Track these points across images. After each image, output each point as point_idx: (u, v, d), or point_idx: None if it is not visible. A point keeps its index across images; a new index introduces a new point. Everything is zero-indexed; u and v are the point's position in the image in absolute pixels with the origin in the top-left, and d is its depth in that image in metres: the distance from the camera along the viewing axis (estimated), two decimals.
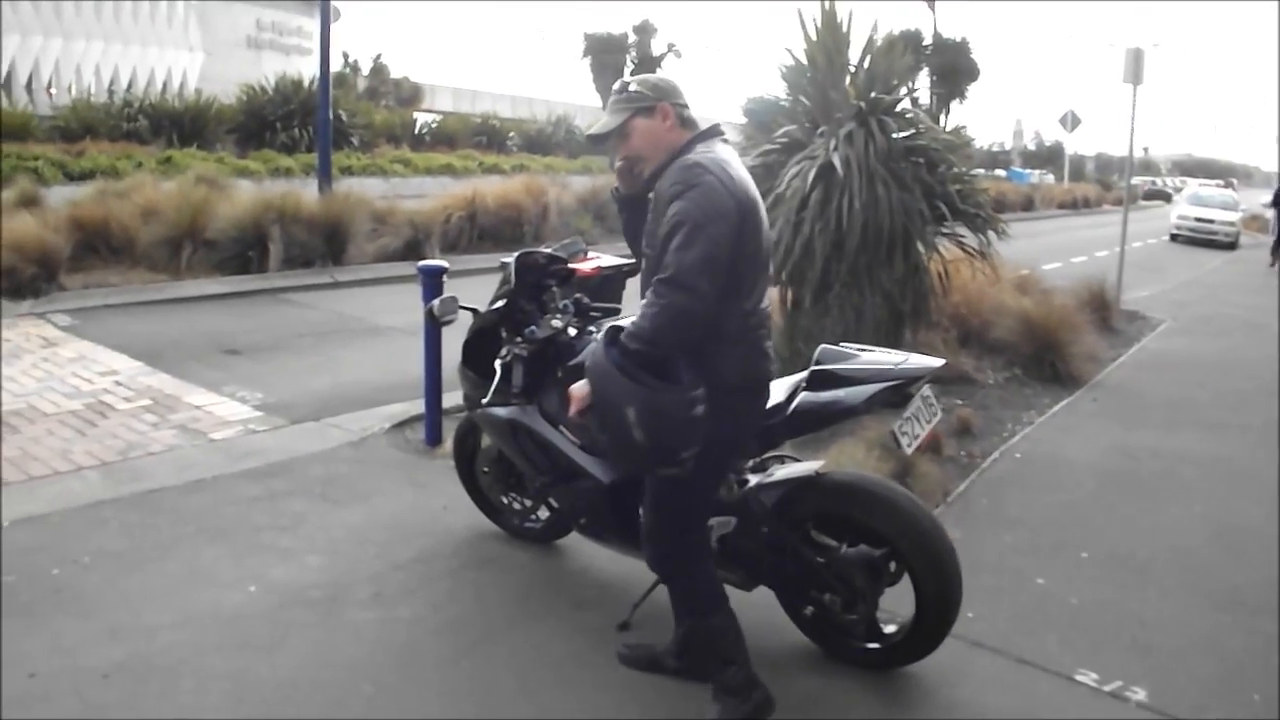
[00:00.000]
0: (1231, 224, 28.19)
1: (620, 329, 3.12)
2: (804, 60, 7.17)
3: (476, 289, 4.81)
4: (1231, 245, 27.47)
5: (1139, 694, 3.81)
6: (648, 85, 3.29)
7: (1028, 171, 56.22)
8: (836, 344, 3.82)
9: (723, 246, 3.03)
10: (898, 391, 3.56)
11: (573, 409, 3.25)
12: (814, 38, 7.05)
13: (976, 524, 5.29)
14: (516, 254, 4.28)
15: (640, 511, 3.92)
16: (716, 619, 3.43)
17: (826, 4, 7.01)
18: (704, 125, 3.32)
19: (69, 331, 8.83)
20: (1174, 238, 28.51)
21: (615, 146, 3.32)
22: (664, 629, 3.84)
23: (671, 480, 3.26)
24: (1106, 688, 3.85)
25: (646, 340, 3.04)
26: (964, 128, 10.18)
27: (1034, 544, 5.21)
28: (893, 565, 3.66)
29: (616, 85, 3.36)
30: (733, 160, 3.23)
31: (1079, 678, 3.91)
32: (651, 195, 3.24)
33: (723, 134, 3.32)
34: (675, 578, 3.50)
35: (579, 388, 3.22)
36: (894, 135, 6.74)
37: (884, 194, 6.51)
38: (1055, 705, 3.73)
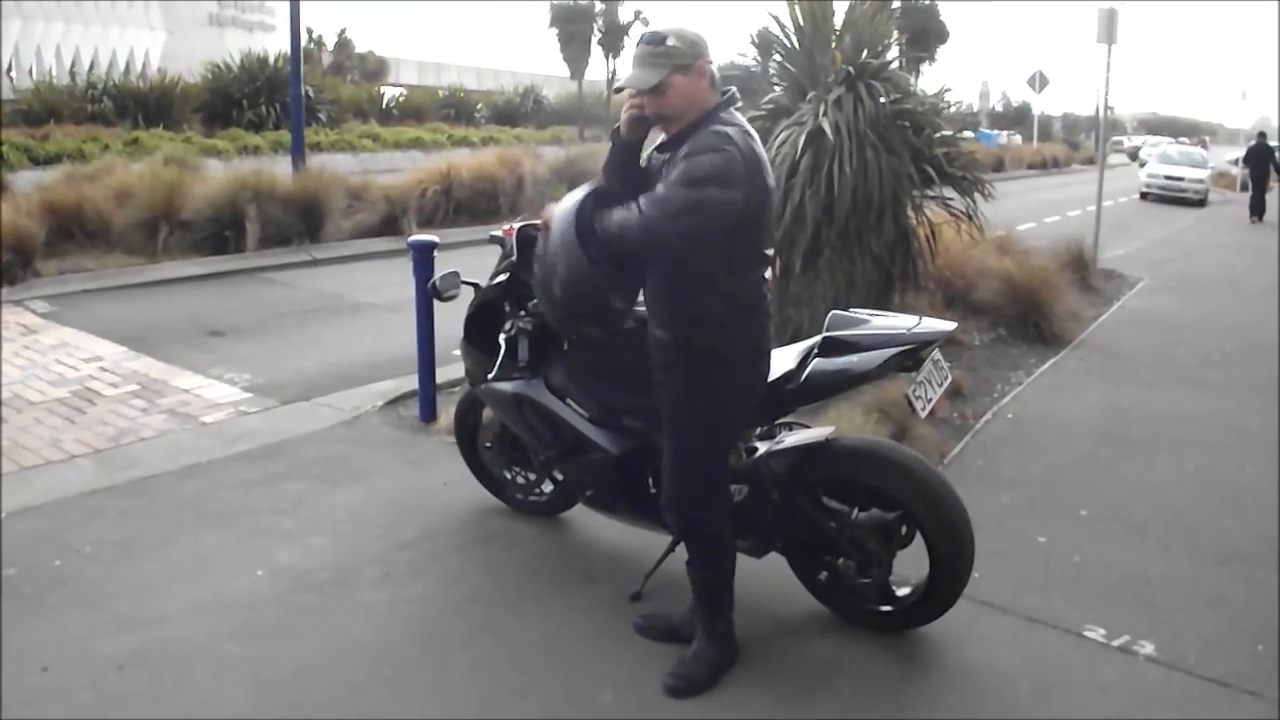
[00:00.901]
0: (1201, 181, 28.38)
1: (602, 197, 3.37)
2: (790, 25, 7.13)
3: (459, 262, 4.77)
4: (1201, 202, 27.68)
5: (1147, 647, 3.86)
6: (685, 41, 3.19)
7: (995, 132, 56.34)
8: (828, 309, 3.82)
9: (716, 210, 3.07)
10: (910, 356, 3.56)
11: (540, 219, 3.51)
12: (800, 3, 7.01)
13: (974, 485, 5.31)
14: (516, 225, 4.24)
15: (650, 481, 3.94)
16: (724, 572, 3.56)
17: None
18: None
19: (48, 318, 8.72)
20: (1144, 196, 28.68)
21: (647, 101, 3.23)
22: (676, 598, 3.86)
23: (685, 447, 3.36)
24: (1115, 642, 3.89)
25: (616, 233, 3.22)
26: (948, 90, 10.11)
27: (1033, 503, 5.25)
28: (904, 528, 3.68)
29: (648, 35, 3.23)
30: (754, 137, 3.24)
31: (1087, 633, 3.95)
32: (655, 153, 3.34)
33: (739, 100, 3.31)
34: (698, 538, 3.54)
35: (548, 210, 3.49)
36: (881, 99, 6.72)
37: (873, 158, 6.50)
38: (1066, 661, 3.76)
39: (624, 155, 3.42)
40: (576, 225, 3.28)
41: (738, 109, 3.29)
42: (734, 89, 3.30)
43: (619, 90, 3.34)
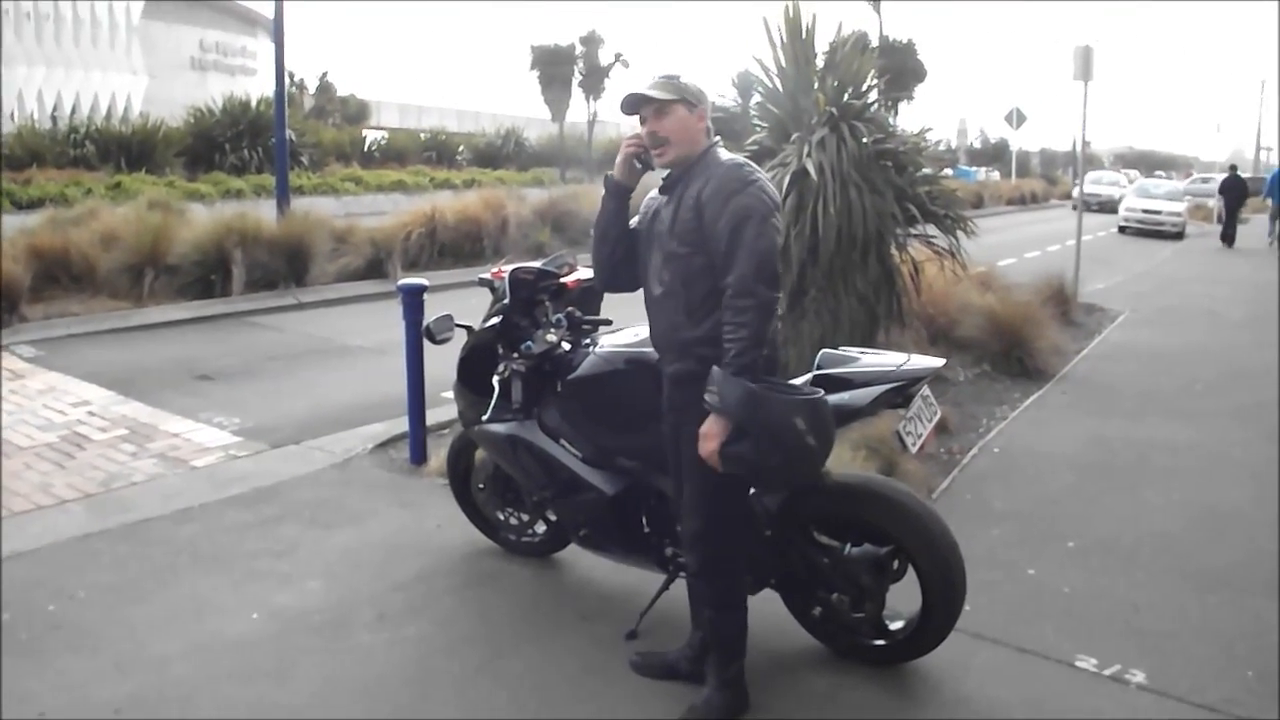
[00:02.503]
0: (1178, 214, 28.65)
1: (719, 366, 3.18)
2: (772, 67, 7.24)
3: (446, 304, 4.81)
4: (1179, 235, 27.94)
5: (1138, 676, 3.91)
6: (695, 87, 3.41)
7: (973, 169, 56.83)
8: (814, 348, 3.88)
9: (781, 235, 3.26)
10: (900, 393, 3.62)
11: (710, 446, 3.20)
12: (781, 44, 7.12)
13: (963, 519, 5.34)
14: (508, 269, 4.30)
15: (644, 520, 3.98)
16: (740, 614, 3.57)
17: (791, 10, 7.08)
18: None
19: (35, 363, 8.71)
20: (1123, 229, 28.93)
21: (649, 117, 3.38)
22: (672, 636, 3.90)
23: (709, 483, 3.34)
24: (1106, 672, 3.94)
25: (754, 343, 3.14)
26: (929, 129, 10.23)
27: (1021, 536, 5.30)
28: (896, 563, 3.72)
29: (663, 73, 3.44)
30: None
31: (1079, 664, 3.99)
32: (656, 195, 3.46)
33: (721, 145, 3.48)
34: (717, 576, 3.54)
35: (707, 425, 3.20)
36: (864, 139, 6.82)
37: (857, 198, 6.60)
38: (1059, 692, 3.81)
39: (616, 200, 3.53)
40: (759, 389, 3.15)
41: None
42: (717, 139, 3.46)
43: (625, 99, 3.42)
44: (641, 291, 3.60)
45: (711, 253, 3.24)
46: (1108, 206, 35.20)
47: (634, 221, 3.60)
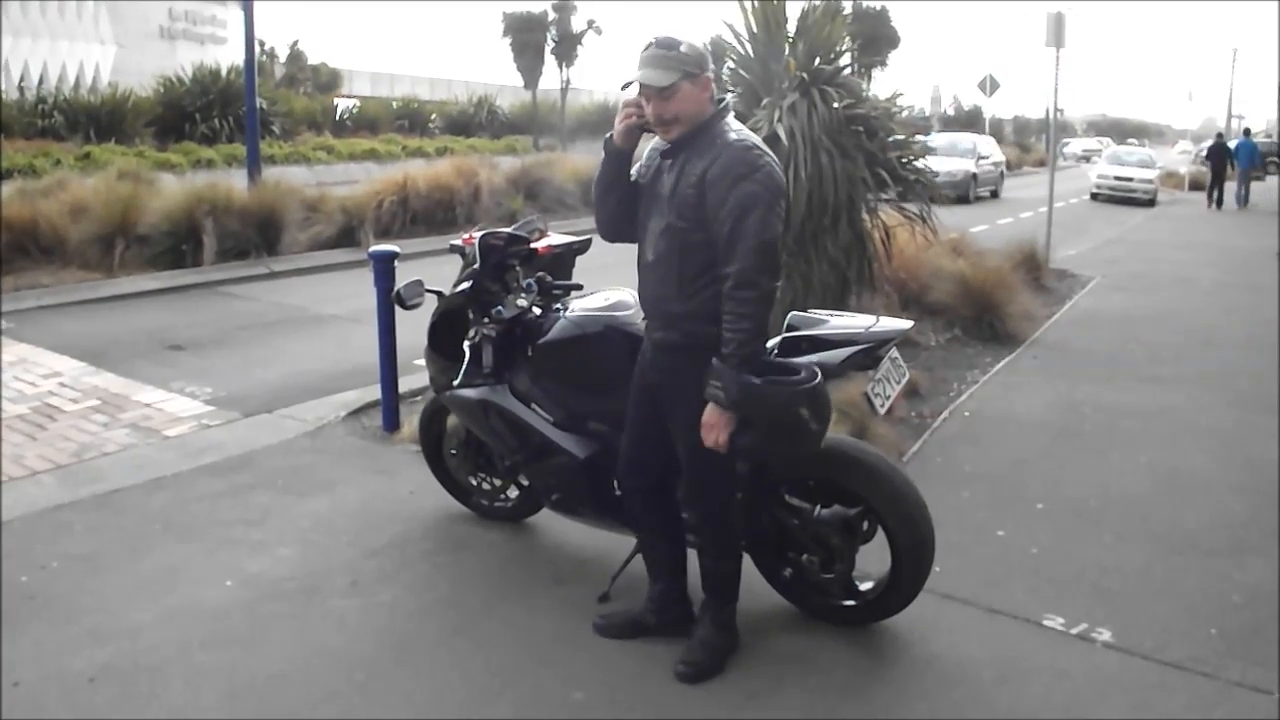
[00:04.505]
0: (1150, 181, 28.84)
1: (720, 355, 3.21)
2: (744, 32, 7.22)
3: (419, 272, 4.79)
4: (1150, 202, 28.13)
5: (1104, 634, 3.97)
6: (695, 51, 3.30)
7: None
8: (785, 313, 3.89)
9: (783, 222, 3.27)
10: (869, 355, 3.64)
11: (716, 438, 3.26)
12: (753, 9, 7.10)
13: (934, 482, 5.39)
14: (478, 234, 4.29)
15: (614, 484, 4.00)
16: (737, 562, 3.74)
17: None
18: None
19: (5, 335, 8.62)
20: (1094, 196, 29.09)
21: (653, 98, 3.30)
22: (643, 597, 3.91)
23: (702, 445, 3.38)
24: (1073, 630, 4.00)
25: (756, 334, 3.21)
26: (900, 94, 10.20)
27: (991, 498, 5.36)
28: (865, 524, 3.76)
29: (661, 39, 3.30)
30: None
31: (1046, 623, 4.05)
32: (658, 156, 3.44)
33: (730, 110, 3.46)
34: (717, 527, 3.66)
35: (711, 416, 3.24)
36: (835, 105, 6.82)
37: (828, 163, 6.60)
38: (1026, 650, 3.86)
39: (616, 164, 3.52)
40: (763, 382, 3.22)
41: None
42: (728, 98, 3.42)
43: (627, 86, 3.36)
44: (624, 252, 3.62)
45: (711, 233, 3.24)
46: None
47: (634, 169, 3.57)
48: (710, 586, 3.72)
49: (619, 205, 3.58)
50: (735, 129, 3.34)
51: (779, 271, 3.26)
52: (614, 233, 3.68)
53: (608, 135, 3.50)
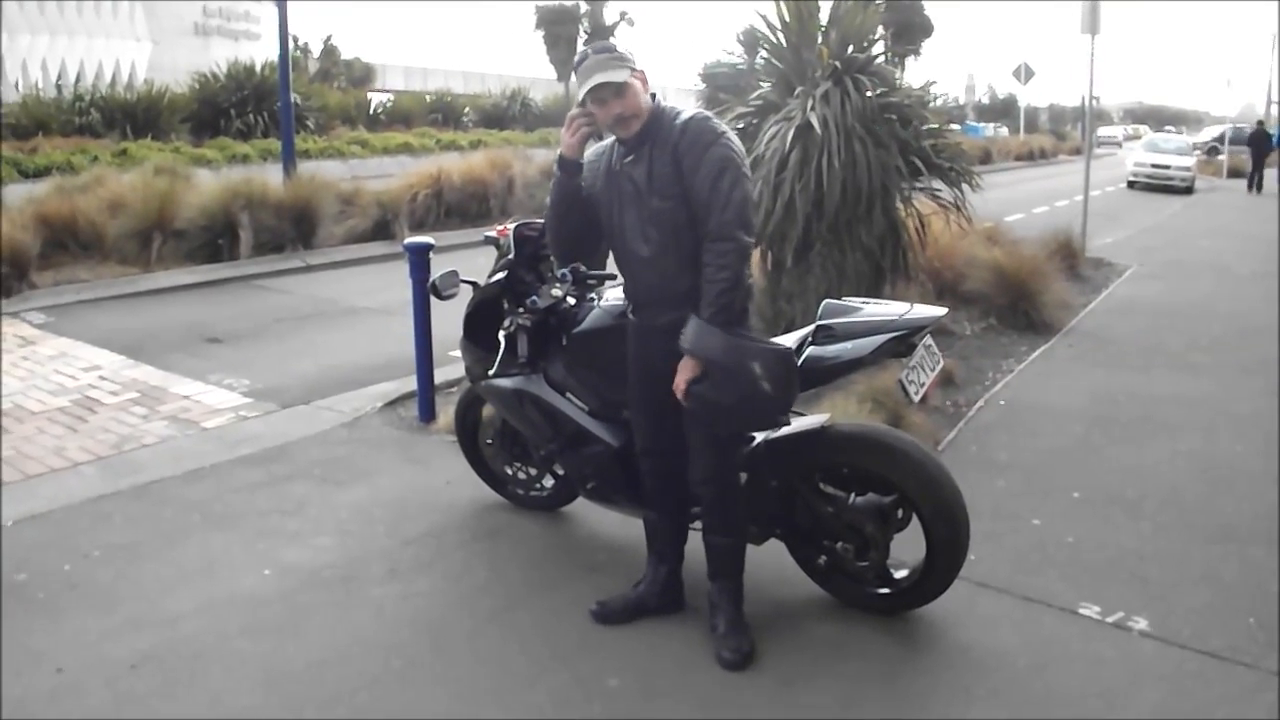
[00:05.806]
0: (1187, 169, 28.51)
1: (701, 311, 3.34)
2: (776, 22, 7.21)
3: (453, 264, 4.80)
4: (1188, 190, 27.81)
5: (1141, 623, 3.93)
6: (629, 52, 3.51)
7: (982, 125, 56.52)
8: (820, 302, 3.89)
9: (753, 184, 3.34)
10: (902, 342, 3.63)
11: (678, 383, 3.40)
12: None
13: (969, 470, 5.37)
14: (512, 225, 4.32)
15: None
16: (744, 539, 3.80)
17: None
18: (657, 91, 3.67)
19: (45, 329, 8.77)
20: (1131, 184, 28.80)
21: (609, 100, 3.43)
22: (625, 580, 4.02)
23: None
24: (1109, 619, 3.97)
25: (734, 284, 3.31)
26: (934, 83, 10.19)
27: (1026, 487, 5.33)
28: (900, 511, 3.75)
29: (599, 45, 3.53)
30: None
31: (1082, 611, 4.02)
32: (619, 148, 3.56)
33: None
34: (728, 505, 3.71)
35: (684, 364, 3.38)
36: (868, 93, 6.79)
37: (862, 152, 6.57)
38: (1062, 638, 3.84)
39: (573, 178, 3.65)
40: (728, 333, 3.35)
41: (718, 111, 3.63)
42: (654, 91, 3.58)
43: (591, 90, 3.43)
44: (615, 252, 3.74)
45: (692, 202, 3.38)
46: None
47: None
48: (720, 567, 3.77)
49: (580, 218, 3.71)
50: (681, 110, 3.52)
51: (754, 229, 3.41)
52: (573, 250, 3.88)
53: (560, 154, 3.62)
